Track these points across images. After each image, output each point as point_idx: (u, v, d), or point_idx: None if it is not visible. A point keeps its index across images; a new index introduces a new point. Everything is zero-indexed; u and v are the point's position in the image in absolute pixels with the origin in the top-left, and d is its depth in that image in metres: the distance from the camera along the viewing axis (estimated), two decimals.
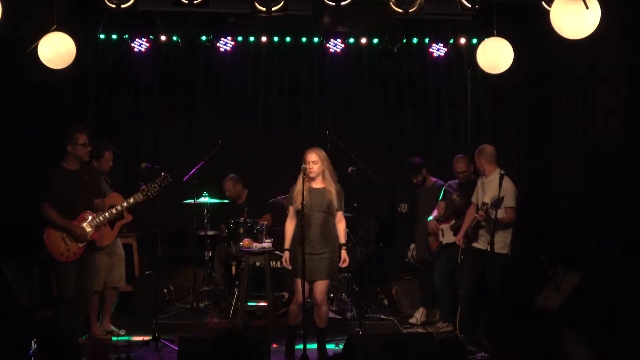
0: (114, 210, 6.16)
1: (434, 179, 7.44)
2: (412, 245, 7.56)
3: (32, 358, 5.10)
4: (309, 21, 7.18)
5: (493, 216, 6.00)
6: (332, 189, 5.95)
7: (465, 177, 6.96)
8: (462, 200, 6.82)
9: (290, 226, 6.05)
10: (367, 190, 7.97)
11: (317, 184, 5.94)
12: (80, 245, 5.94)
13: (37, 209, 5.83)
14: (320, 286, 5.90)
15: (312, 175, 5.89)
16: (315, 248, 5.80)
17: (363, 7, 6.71)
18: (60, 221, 5.85)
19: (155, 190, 6.27)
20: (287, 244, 6.05)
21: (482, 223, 6.32)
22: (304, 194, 5.80)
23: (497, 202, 6.02)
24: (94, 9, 6.61)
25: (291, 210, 6.03)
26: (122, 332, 6.65)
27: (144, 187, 6.30)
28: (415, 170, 7.36)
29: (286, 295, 7.19)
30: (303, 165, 5.86)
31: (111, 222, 6.31)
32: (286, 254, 6.02)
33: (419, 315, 7.25)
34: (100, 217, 6.07)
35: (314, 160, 5.89)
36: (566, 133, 6.78)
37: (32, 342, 5.14)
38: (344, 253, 6.01)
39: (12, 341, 5.26)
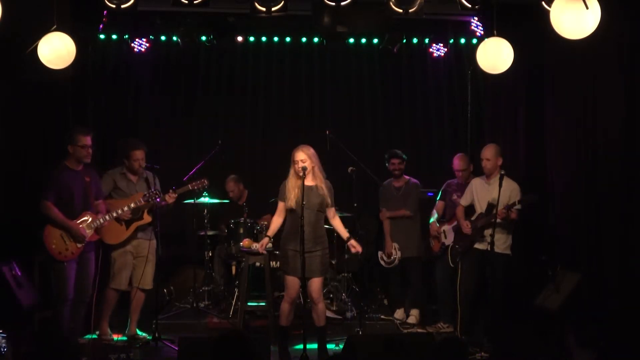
0: (114, 214, 6.15)
1: (407, 177, 7.41)
2: (395, 245, 7.28)
3: (2, 352, 5.11)
4: (309, 21, 7.19)
5: (513, 216, 6.11)
6: (323, 186, 5.97)
7: (464, 177, 6.96)
8: None
9: (277, 219, 6.08)
10: (367, 190, 7.97)
11: (309, 182, 5.92)
12: (79, 245, 5.94)
13: (38, 206, 5.82)
14: (316, 284, 5.90)
15: (300, 174, 5.89)
16: (307, 246, 5.78)
17: (363, 7, 6.72)
18: (61, 219, 5.85)
19: (157, 196, 6.25)
20: (270, 232, 6.10)
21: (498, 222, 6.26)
22: (297, 192, 5.83)
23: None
24: (94, 9, 6.62)
25: (281, 205, 6.04)
26: (147, 336, 6.48)
27: (146, 193, 6.29)
28: (397, 155, 7.30)
29: None
30: (303, 166, 5.85)
31: (127, 221, 6.30)
32: (265, 240, 6.11)
33: (415, 314, 7.24)
34: (100, 219, 6.07)
35: (302, 159, 5.88)
36: (566, 133, 6.77)
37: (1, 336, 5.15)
38: (354, 241, 6.06)
39: (12, 341, 5.26)
